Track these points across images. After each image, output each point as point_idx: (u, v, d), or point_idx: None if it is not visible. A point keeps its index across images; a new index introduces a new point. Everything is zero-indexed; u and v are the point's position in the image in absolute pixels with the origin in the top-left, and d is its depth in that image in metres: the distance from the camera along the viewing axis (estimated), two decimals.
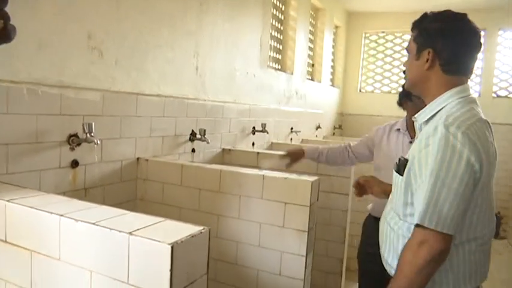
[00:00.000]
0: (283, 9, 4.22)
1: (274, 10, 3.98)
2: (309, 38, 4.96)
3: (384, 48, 6.41)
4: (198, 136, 2.62)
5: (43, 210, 1.05)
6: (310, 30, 4.95)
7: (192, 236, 0.94)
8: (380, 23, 6.27)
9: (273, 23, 3.97)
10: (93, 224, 0.98)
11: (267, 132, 3.56)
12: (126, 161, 2.11)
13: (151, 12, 2.18)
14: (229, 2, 2.96)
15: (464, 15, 1.29)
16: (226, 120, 3.05)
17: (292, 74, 4.31)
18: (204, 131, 2.60)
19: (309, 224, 1.83)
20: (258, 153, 2.90)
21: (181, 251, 0.89)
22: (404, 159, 1.31)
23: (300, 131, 4.49)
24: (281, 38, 4.25)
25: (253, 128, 3.48)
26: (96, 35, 1.87)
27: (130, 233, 0.92)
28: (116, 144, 2.02)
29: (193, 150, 2.66)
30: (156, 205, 2.13)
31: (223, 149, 3.00)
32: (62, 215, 1.03)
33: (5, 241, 1.15)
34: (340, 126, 6.36)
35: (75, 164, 1.80)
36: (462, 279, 1.25)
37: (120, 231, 0.93)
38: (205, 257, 1.00)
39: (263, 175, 1.90)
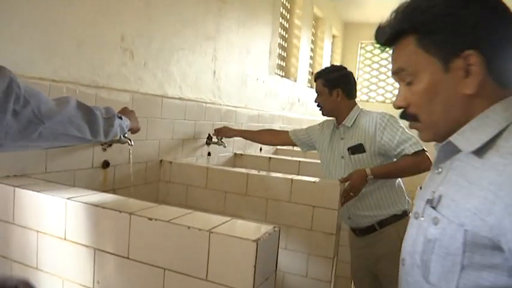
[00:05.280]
0: (288, 17, 4.29)
1: (281, 18, 4.04)
2: (310, 47, 5.04)
3: (379, 59, 6.55)
4: (215, 140, 2.63)
5: (115, 210, 1.06)
6: (311, 39, 5.03)
7: (269, 234, 0.96)
8: None
9: (280, 31, 4.03)
10: (168, 222, 0.99)
11: None
12: (150, 163, 2.11)
13: (176, 14, 2.20)
14: (244, 8, 3.00)
15: None
16: (238, 125, 3.07)
17: (295, 81, 4.37)
18: None
19: (336, 226, 1.86)
20: (269, 158, 2.93)
21: (262, 247, 0.91)
22: (357, 144, 2.03)
23: None
24: (285, 45, 4.31)
25: None
26: (128, 36, 1.87)
27: (210, 231, 0.94)
28: (141, 146, 2.02)
29: (209, 154, 2.67)
30: (179, 207, 2.13)
31: (235, 154, 3.02)
32: (131, 214, 1.03)
33: (64, 239, 1.15)
34: None
35: (106, 164, 1.79)
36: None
37: (200, 229, 0.94)
38: (276, 255, 1.02)
39: (291, 179, 1.93)
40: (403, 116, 0.86)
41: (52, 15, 1.49)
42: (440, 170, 0.82)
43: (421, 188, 0.94)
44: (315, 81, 2.15)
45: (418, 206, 0.85)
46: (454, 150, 0.78)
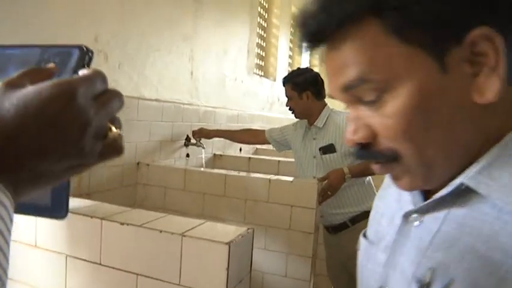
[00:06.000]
0: (266, 17, 4.29)
1: (258, 18, 4.04)
2: (289, 46, 5.06)
3: None
4: (193, 141, 2.62)
5: (86, 215, 1.04)
6: (290, 38, 5.05)
7: (242, 236, 0.96)
8: None
9: (258, 31, 4.03)
10: (140, 226, 0.98)
11: None
12: (127, 166, 2.08)
13: (152, 15, 2.18)
14: (221, 8, 2.99)
15: None
16: (217, 125, 3.06)
17: (275, 80, 4.38)
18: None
19: (315, 225, 1.88)
20: (249, 158, 2.93)
21: (235, 250, 0.91)
22: (328, 144, 2.08)
23: None
24: (264, 45, 4.32)
25: None
26: (102, 38, 1.84)
27: (182, 234, 0.93)
28: None
29: (187, 156, 2.66)
30: (157, 211, 2.11)
31: (215, 155, 3.01)
32: (103, 219, 1.02)
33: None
34: None
35: None
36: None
37: (172, 233, 0.93)
38: (250, 256, 1.02)
39: (269, 179, 1.94)
40: (361, 155, 0.50)
41: (22, 17, 1.46)
42: (420, 220, 0.49)
43: (365, 235, 0.66)
44: (284, 86, 2.20)
45: (383, 279, 0.54)
46: (455, 195, 0.45)
